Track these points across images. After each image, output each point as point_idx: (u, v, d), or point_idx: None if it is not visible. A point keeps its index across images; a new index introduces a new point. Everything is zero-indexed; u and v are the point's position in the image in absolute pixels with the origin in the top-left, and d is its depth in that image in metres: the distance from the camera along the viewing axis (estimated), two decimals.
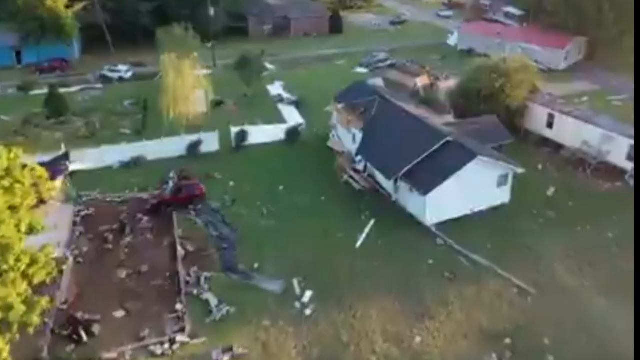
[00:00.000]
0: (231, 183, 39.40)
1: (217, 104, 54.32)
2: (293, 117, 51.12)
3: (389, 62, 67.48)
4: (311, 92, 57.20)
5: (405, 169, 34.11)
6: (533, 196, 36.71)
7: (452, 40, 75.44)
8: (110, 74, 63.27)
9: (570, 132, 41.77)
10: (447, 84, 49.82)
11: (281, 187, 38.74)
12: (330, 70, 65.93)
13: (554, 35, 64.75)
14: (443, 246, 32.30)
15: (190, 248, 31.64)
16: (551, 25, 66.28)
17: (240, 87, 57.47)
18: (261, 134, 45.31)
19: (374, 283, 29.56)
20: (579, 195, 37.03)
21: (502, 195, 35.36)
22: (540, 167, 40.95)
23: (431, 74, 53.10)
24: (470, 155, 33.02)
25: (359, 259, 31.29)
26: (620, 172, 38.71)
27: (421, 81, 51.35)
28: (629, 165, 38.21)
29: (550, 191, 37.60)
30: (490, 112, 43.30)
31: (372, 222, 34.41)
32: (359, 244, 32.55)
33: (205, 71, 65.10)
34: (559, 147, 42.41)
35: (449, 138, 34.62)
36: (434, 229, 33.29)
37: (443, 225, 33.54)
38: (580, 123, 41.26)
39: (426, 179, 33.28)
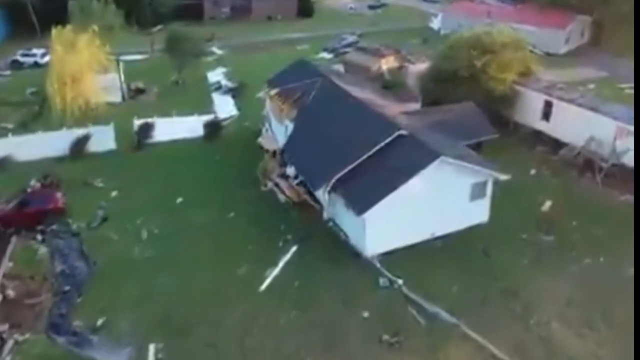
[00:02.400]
0: (113, 193, 29.03)
1: (137, 92, 44.46)
2: (225, 107, 41.10)
3: (358, 47, 57.52)
4: (258, 79, 47.02)
5: (338, 175, 24.02)
6: (522, 213, 26.44)
7: (436, 24, 65.29)
8: (23, 59, 52.89)
9: (574, 125, 31.46)
10: (419, 67, 39.83)
11: (179, 199, 28.57)
12: (289, 55, 55.45)
13: (553, 15, 54.61)
14: (388, 289, 22.01)
15: (11, 292, 21.51)
16: (550, 3, 56.28)
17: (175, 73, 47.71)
18: (173, 128, 35.13)
19: (276, 351, 19.50)
20: (585, 211, 26.67)
21: (478, 213, 25.13)
22: (533, 171, 30.66)
23: (401, 56, 43.09)
24: (430, 156, 22.83)
25: (262, 310, 20.92)
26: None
27: (387, 63, 41.37)
28: None
29: (547, 206, 27.35)
30: (469, 99, 33.40)
31: (292, 250, 24.37)
32: (264, 285, 22.40)
33: (137, 56, 56.13)
34: (558, 144, 32.28)
35: (402, 131, 24.57)
36: (376, 263, 23.37)
37: (390, 257, 23.51)
38: (587, 113, 31.03)
39: (366, 190, 23.09)
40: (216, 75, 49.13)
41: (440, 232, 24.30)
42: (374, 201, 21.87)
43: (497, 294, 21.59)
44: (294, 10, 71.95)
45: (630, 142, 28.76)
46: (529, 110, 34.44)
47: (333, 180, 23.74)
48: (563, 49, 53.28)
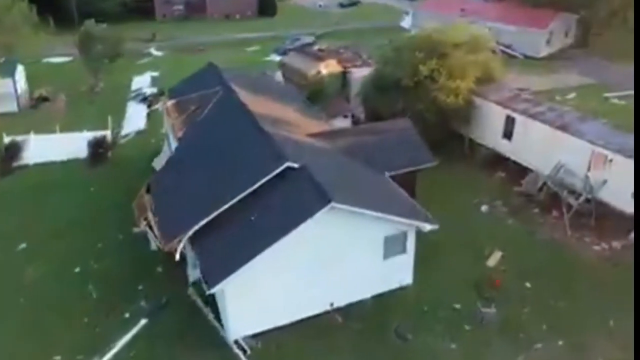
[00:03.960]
0: None
1: (40, 100, 38.12)
2: (136, 120, 34.74)
3: (315, 49, 51.17)
4: None
5: (196, 226, 17.68)
6: (461, 270, 19.72)
7: (407, 23, 58.91)
8: None
9: (539, 147, 25.25)
10: (364, 73, 33.45)
11: (22, 246, 21.87)
12: (236, 57, 49.39)
13: (533, 12, 48.28)
14: None
15: None
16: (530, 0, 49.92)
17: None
18: (51, 148, 28.75)
19: None
20: (545, 268, 19.98)
21: (397, 274, 18.49)
22: (484, 208, 24.06)
23: (344, 59, 36.63)
24: (319, 201, 16.55)
25: None
26: (622, 221, 21.70)
27: (327, 68, 34.95)
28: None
29: (494, 258, 20.54)
30: (414, 114, 26.91)
31: (138, 325, 18.07)
32: None
33: (60, 59, 49.81)
34: (522, 171, 26.21)
35: (289, 163, 18.25)
36: (245, 349, 16.97)
37: (269, 338, 17.11)
38: (556, 133, 24.56)
39: (227, 251, 16.41)
40: (142, 81, 42.83)
41: (341, 302, 17.77)
42: (229, 269, 15.41)
43: None
44: (254, 8, 65.64)
45: (608, 173, 22.40)
46: (488, 126, 27.89)
47: (189, 233, 17.36)
48: (544, 51, 46.77)
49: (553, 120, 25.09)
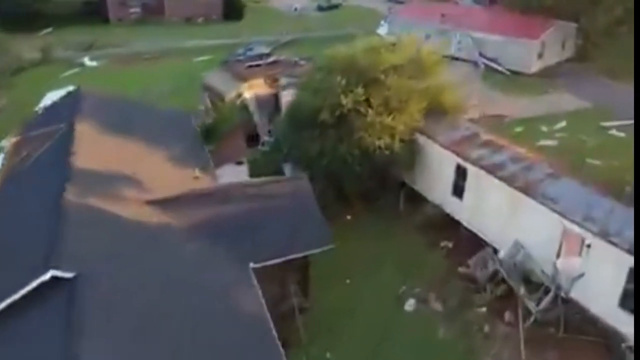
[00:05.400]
0: None
1: None
2: None
3: (271, 60, 44.53)
4: None
5: None
6: None
7: (383, 30, 52.07)
8: None
9: (495, 212, 18.13)
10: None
11: None
12: (180, 68, 42.74)
13: (523, 20, 41.09)
14: None
15: None
16: (523, 4, 42.75)
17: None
18: None
19: None
20: None
21: None
22: (410, 306, 16.82)
23: (275, 79, 29.87)
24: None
25: None
26: (602, 335, 14.93)
27: (251, 90, 28.37)
28: (628, 326, 14.09)
29: None
30: (336, 160, 20.28)
31: None
32: None
33: None
34: (475, 242, 18.93)
35: (56, 272, 11.63)
36: None
37: None
38: (515, 194, 17.98)
39: None
40: (55, 98, 36.59)
41: None
42: None
43: None
44: (218, 11, 59.07)
45: (586, 261, 15.45)
46: (435, 177, 20.95)
47: None
48: (535, 66, 39.40)
49: (514, 176, 18.12)
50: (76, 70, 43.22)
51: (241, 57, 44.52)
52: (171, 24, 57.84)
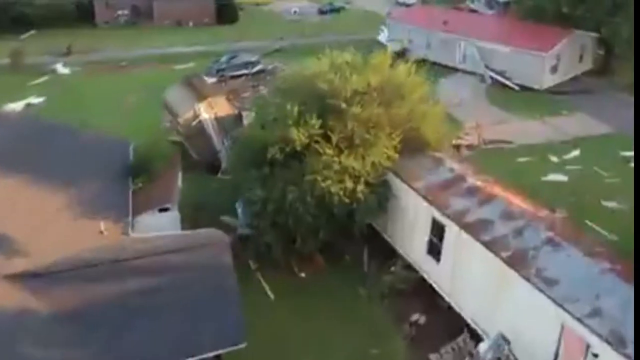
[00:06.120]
0: None
1: None
2: None
3: (257, 69, 40.78)
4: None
5: None
6: None
7: (384, 37, 48.01)
8: None
9: (478, 284, 14.00)
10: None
11: None
12: (156, 78, 38.35)
13: (535, 29, 36.56)
14: None
15: None
16: (536, 12, 38.27)
17: None
18: None
19: None
20: None
21: None
22: None
23: (237, 98, 25.87)
24: None
25: None
26: None
27: (211, 109, 24.53)
28: None
29: None
30: (287, 208, 16.42)
31: None
32: None
33: None
34: (456, 317, 15.19)
35: None
36: None
37: None
38: (501, 266, 13.44)
39: None
40: (17, 108, 33.32)
41: None
42: None
43: None
44: (211, 14, 55.36)
45: None
46: (409, 228, 17.10)
47: None
48: (547, 81, 34.86)
49: (503, 243, 13.99)
50: (46, 78, 39.99)
51: (223, 66, 41.15)
52: (160, 28, 54.41)
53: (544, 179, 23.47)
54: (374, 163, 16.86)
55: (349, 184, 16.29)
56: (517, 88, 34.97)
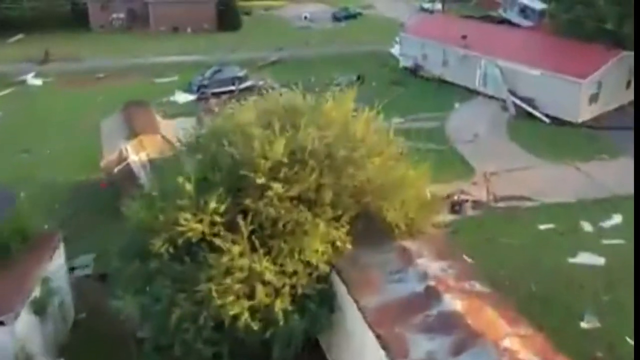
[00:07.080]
0: None
1: None
2: None
3: (244, 85, 35.60)
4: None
5: None
6: None
7: (396, 50, 42.11)
8: None
9: None
10: None
11: None
12: (133, 93, 33.57)
13: (572, 48, 30.17)
14: None
15: None
16: (575, 27, 31.86)
17: None
18: None
19: None
20: None
21: None
22: None
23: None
24: None
25: None
26: None
27: (142, 149, 19.24)
28: None
29: None
30: (174, 329, 11.24)
31: None
32: None
33: None
34: None
35: None
36: None
37: None
38: None
39: None
40: None
41: None
42: None
43: None
44: (212, 20, 50.52)
45: None
46: (357, 353, 11.77)
47: None
48: (585, 114, 28.38)
49: None
50: (12, 89, 35.99)
51: (205, 82, 36.07)
52: (156, 34, 49.99)
53: (571, 260, 17.46)
54: (309, 263, 11.52)
55: (263, 299, 10.99)
56: (546, 120, 28.67)
